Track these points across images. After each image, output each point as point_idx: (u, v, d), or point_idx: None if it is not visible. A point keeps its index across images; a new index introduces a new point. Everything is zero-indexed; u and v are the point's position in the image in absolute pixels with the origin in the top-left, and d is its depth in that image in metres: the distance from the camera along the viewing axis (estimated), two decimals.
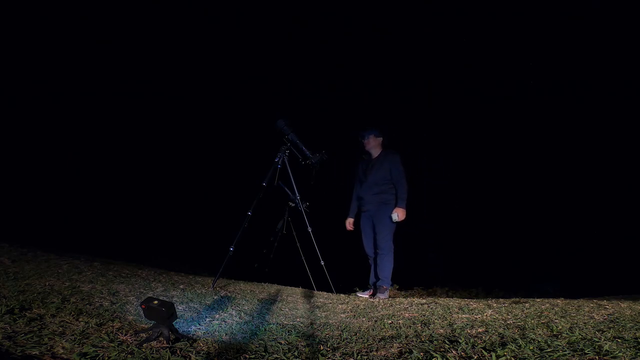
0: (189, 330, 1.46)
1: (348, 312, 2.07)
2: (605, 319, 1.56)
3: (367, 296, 3.14)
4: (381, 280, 3.25)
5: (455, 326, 1.52)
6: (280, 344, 1.33)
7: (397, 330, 1.53)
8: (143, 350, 1.12)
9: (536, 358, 1.07)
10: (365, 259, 3.51)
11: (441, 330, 1.47)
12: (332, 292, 3.13)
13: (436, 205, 7.29)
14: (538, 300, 2.23)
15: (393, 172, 3.31)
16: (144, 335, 1.23)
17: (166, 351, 1.13)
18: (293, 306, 2.21)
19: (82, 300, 1.63)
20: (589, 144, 6.41)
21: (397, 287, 5.08)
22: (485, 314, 1.75)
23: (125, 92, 7.06)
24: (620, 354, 1.06)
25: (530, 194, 6.86)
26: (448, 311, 1.88)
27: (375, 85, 7.66)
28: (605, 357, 1.04)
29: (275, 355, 1.19)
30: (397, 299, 2.78)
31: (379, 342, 1.35)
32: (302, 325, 1.68)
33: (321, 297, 2.71)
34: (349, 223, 3.55)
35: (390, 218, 3.22)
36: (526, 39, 6.53)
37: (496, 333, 1.36)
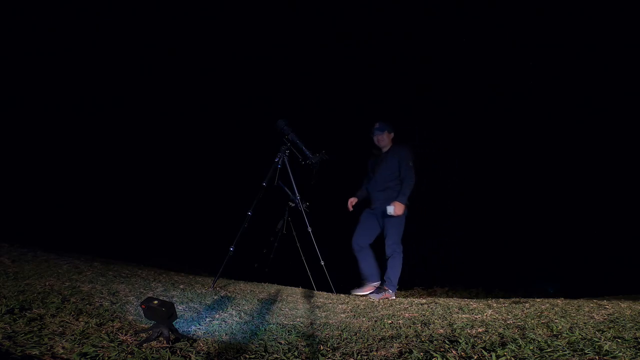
0: (189, 330, 1.46)
1: (348, 312, 2.07)
2: (605, 319, 1.56)
3: (364, 293, 3.02)
4: (386, 282, 3.05)
5: (455, 326, 1.52)
6: (280, 344, 1.33)
7: (397, 330, 1.53)
8: (143, 350, 1.12)
9: (536, 358, 1.06)
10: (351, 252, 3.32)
11: (441, 330, 1.47)
12: (332, 292, 3.12)
13: (436, 205, 7.29)
14: (538, 300, 2.23)
15: (402, 166, 3.12)
16: (144, 335, 1.23)
17: (166, 351, 1.13)
18: (293, 306, 2.21)
19: (82, 300, 1.63)
20: (589, 144, 6.42)
21: (397, 287, 5.07)
22: (485, 314, 1.75)
23: (125, 92, 7.06)
24: (620, 354, 1.06)
25: (530, 194, 6.86)
26: (448, 311, 1.88)
27: (376, 85, 7.66)
28: (605, 357, 1.04)
29: (275, 355, 1.19)
30: (397, 299, 2.78)
31: (379, 342, 1.35)
32: (302, 325, 1.68)
33: (321, 297, 2.71)
34: (351, 202, 3.34)
35: (398, 217, 3.01)
36: (526, 39, 6.54)
37: (496, 333, 1.36)
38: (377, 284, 3.16)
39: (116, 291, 1.92)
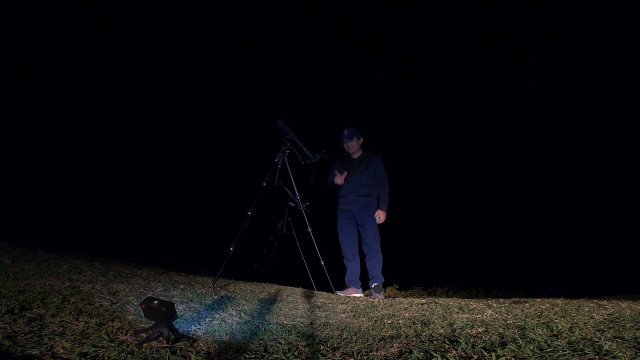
0: (189, 330, 1.46)
1: (348, 312, 2.07)
2: (605, 319, 1.55)
3: (346, 294, 3.11)
4: (376, 278, 3.28)
5: (455, 326, 1.52)
6: (280, 344, 1.33)
7: (397, 330, 1.53)
8: (143, 350, 1.12)
9: (536, 358, 1.06)
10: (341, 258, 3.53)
11: (441, 330, 1.47)
12: (332, 292, 3.12)
13: (436, 205, 7.29)
14: (538, 300, 2.22)
15: (378, 175, 3.41)
16: (144, 335, 1.23)
17: (166, 351, 1.13)
18: (293, 306, 2.21)
19: (82, 300, 1.63)
20: (589, 144, 6.41)
21: (397, 286, 5.08)
22: (485, 314, 1.75)
23: (126, 92, 7.06)
24: (620, 354, 1.06)
25: (530, 194, 6.86)
26: (448, 311, 1.88)
27: (376, 85, 7.65)
28: (605, 357, 1.04)
29: (275, 355, 1.19)
30: (397, 299, 2.77)
31: (379, 342, 1.35)
32: (302, 325, 1.68)
33: (321, 297, 2.71)
34: (342, 177, 3.44)
35: (375, 219, 3.34)
36: (526, 38, 6.53)
37: (496, 333, 1.36)
38: (358, 290, 3.38)
39: (116, 291, 1.92)
